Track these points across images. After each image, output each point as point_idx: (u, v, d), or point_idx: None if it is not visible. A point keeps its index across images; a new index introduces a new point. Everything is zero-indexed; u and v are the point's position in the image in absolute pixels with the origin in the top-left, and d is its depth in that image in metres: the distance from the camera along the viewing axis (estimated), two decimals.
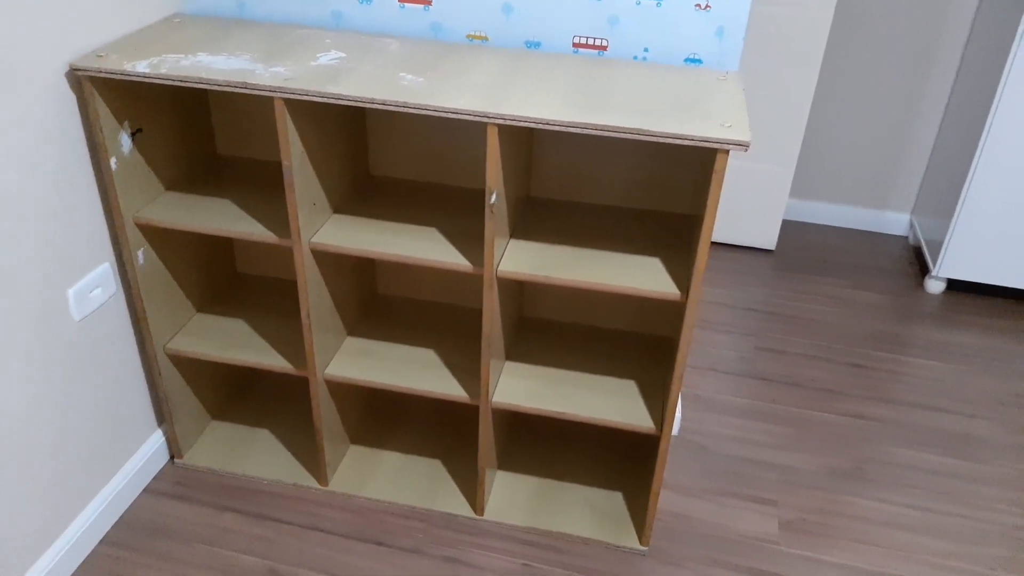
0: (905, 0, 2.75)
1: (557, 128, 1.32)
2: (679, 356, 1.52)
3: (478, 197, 1.79)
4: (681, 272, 1.53)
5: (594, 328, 1.93)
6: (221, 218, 1.66)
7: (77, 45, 1.52)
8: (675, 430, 2.13)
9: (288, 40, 1.64)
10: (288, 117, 1.44)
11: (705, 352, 2.47)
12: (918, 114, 2.93)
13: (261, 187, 1.79)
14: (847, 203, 3.16)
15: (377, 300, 2.01)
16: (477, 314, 1.96)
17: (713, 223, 1.34)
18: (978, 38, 2.66)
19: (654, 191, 1.75)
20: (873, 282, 2.87)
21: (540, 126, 1.32)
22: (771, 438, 2.15)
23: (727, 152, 1.28)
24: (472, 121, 1.61)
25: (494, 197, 1.42)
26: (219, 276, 2.01)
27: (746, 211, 2.95)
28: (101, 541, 1.78)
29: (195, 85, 1.43)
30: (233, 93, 1.85)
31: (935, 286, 2.78)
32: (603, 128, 1.30)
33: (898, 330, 2.61)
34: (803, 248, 3.06)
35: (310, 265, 1.62)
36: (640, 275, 1.51)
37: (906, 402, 2.31)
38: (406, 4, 1.70)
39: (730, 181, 2.91)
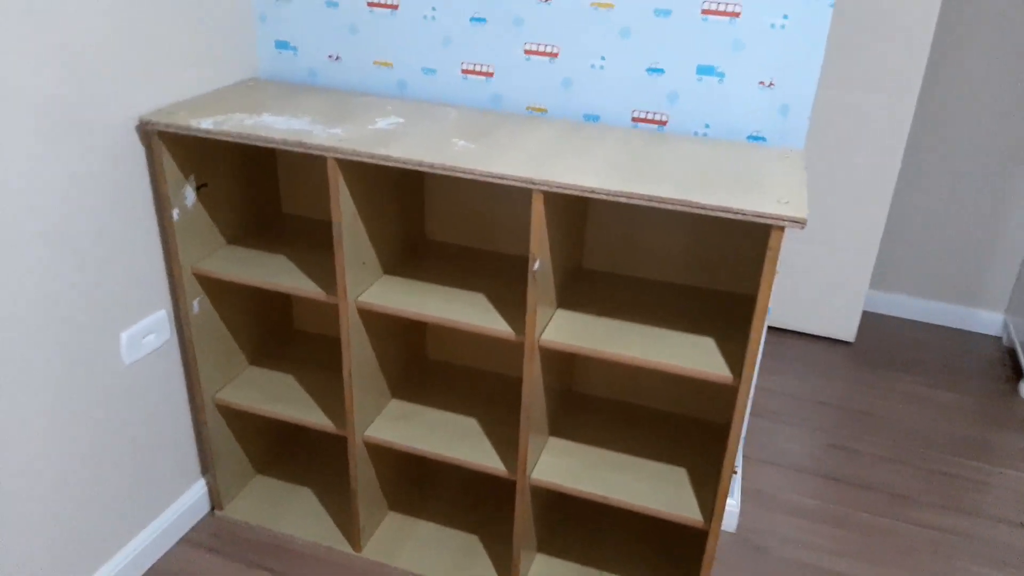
0: (995, 83, 2.64)
1: (603, 197, 1.29)
2: (730, 443, 1.42)
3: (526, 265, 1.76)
4: (735, 354, 1.45)
5: (647, 408, 1.84)
6: (273, 273, 1.68)
7: (152, 101, 1.60)
8: (731, 526, 1.99)
9: (351, 106, 1.68)
10: (340, 176, 1.46)
11: (771, 445, 2.33)
12: (1013, 205, 2.76)
13: (319, 246, 1.81)
14: (934, 298, 2.98)
15: (426, 364, 1.98)
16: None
17: (767, 303, 1.26)
18: None
19: (713, 268, 1.68)
20: (960, 383, 2.67)
21: (585, 194, 1.29)
22: (836, 544, 1.98)
23: (782, 229, 1.21)
24: (518, 188, 1.60)
25: (537, 264, 1.39)
26: (275, 331, 2.04)
27: (823, 299, 2.82)
28: None
29: (254, 143, 1.47)
30: (299, 154, 1.91)
31: None
32: (651, 199, 1.26)
33: (986, 436, 2.40)
34: (884, 342, 2.89)
35: (355, 323, 1.61)
36: (690, 354, 1.44)
37: (990, 516, 2.10)
38: (468, 76, 1.73)
39: (807, 267, 2.79)
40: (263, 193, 1.91)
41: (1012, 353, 2.84)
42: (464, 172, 1.35)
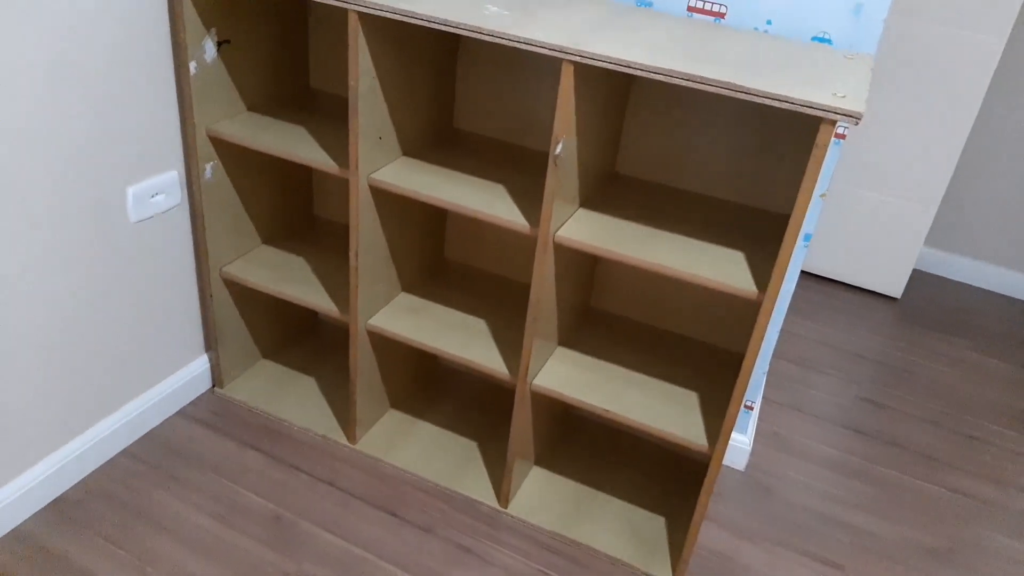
0: None
1: (638, 72, 1.16)
2: (745, 364, 1.31)
3: None
4: (764, 270, 1.33)
5: (668, 332, 1.74)
6: (288, 142, 1.59)
7: None
8: (740, 464, 1.90)
9: None
10: (360, 33, 1.35)
11: (797, 391, 2.21)
12: None
13: (343, 124, 1.72)
14: (989, 261, 2.79)
15: (443, 263, 1.90)
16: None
17: (804, 212, 1.14)
18: None
19: (757, 184, 1.54)
20: (1006, 351, 2.50)
21: (619, 68, 1.17)
22: (852, 496, 1.87)
23: (833, 124, 1.08)
24: (550, 59, 1.47)
25: (560, 147, 1.27)
26: (293, 213, 1.96)
27: (874, 251, 2.65)
28: (122, 451, 1.75)
29: None
30: (330, 22, 1.80)
31: None
32: (690, 78, 1.13)
33: None
34: (932, 302, 2.72)
35: (365, 201, 1.52)
36: (715, 266, 1.32)
37: (1019, 486, 1.97)
38: None
39: (861, 215, 2.62)
40: (291, 62, 1.81)
41: None
42: (489, 35, 1.23)
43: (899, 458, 2.01)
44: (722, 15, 1.47)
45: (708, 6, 1.48)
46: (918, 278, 2.86)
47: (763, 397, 2.16)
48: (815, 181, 1.12)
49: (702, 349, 1.69)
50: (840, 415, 2.14)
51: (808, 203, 1.13)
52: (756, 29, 1.46)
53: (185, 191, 1.71)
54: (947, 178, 2.46)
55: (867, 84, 1.18)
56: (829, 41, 1.42)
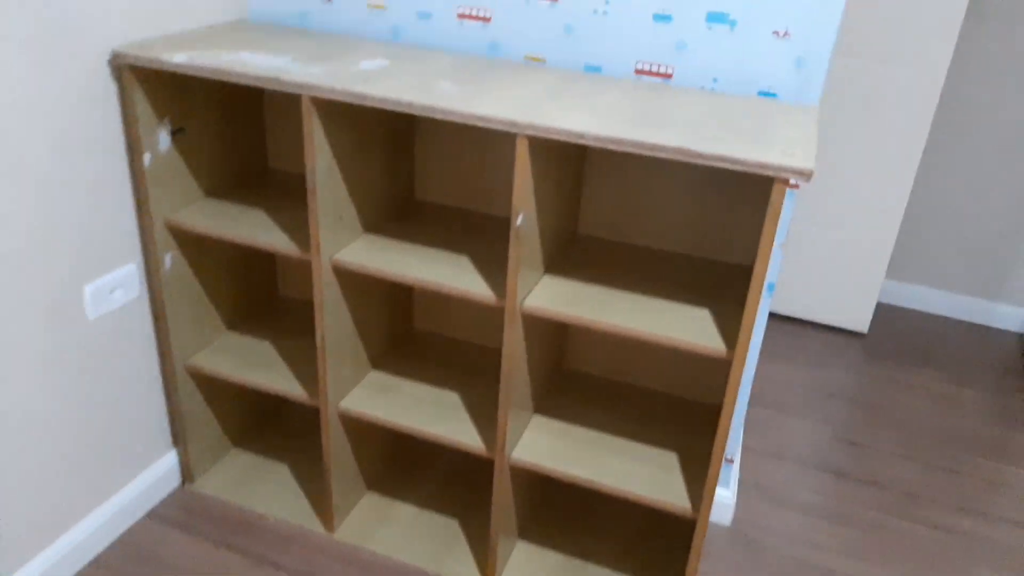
0: None
1: (592, 143, 1.17)
2: (721, 423, 1.31)
3: None
4: (732, 327, 1.33)
5: (642, 389, 1.73)
6: (248, 227, 1.58)
7: (129, 36, 1.50)
8: (726, 519, 1.87)
9: (338, 48, 1.58)
10: (315, 117, 1.35)
11: (774, 437, 2.20)
12: None
13: (303, 203, 1.71)
14: (952, 290, 2.84)
15: (412, 334, 1.88)
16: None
17: (766, 267, 1.15)
18: None
19: (715, 238, 1.56)
20: (977, 379, 2.53)
21: (572, 140, 1.18)
22: (838, 543, 1.86)
23: (786, 182, 1.09)
24: (505, 134, 1.49)
25: (520, 219, 1.28)
26: (257, 295, 1.94)
27: (837, 288, 2.69)
28: (91, 562, 1.67)
29: (226, 78, 1.37)
30: (285, 103, 1.80)
31: None
32: (643, 146, 1.14)
33: (1001, 435, 2.27)
34: (899, 334, 2.76)
35: (329, 283, 1.51)
36: (682, 325, 1.32)
37: (1002, 518, 1.97)
38: (465, 20, 1.61)
39: (821, 254, 2.66)
40: (248, 144, 1.80)
41: None
42: (442, 113, 1.24)
43: (881, 498, 2.00)
44: (669, 75, 1.51)
45: (655, 68, 1.51)
46: (883, 311, 2.90)
47: (742, 446, 2.15)
48: (773, 238, 1.13)
49: (679, 404, 1.68)
50: (819, 458, 2.13)
51: (768, 260, 1.14)
52: (703, 88, 1.49)
53: (144, 284, 1.68)
54: (901, 211, 2.52)
55: (815, 138, 1.21)
56: (775, 95, 1.45)
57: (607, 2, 1.49)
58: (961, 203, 2.72)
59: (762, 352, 2.61)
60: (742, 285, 1.49)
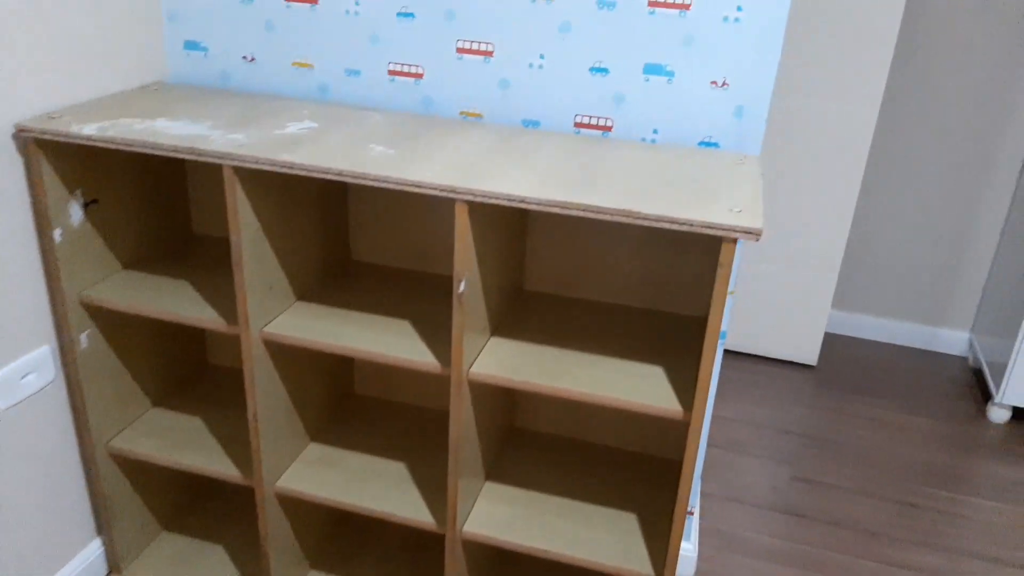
0: (959, 96, 2.55)
1: (534, 207, 1.12)
2: (681, 488, 1.25)
3: None
4: (687, 385, 1.28)
5: (596, 446, 1.67)
6: (170, 300, 1.48)
7: (37, 106, 1.40)
8: (690, 573, 1.81)
9: (262, 110, 1.50)
10: (239, 186, 1.27)
11: (731, 480, 2.17)
12: (976, 220, 2.67)
13: (230, 270, 1.62)
14: (897, 317, 2.88)
15: (352, 401, 1.79)
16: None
17: (719, 326, 1.10)
18: None
19: (664, 289, 1.52)
20: (927, 407, 2.54)
21: (514, 204, 1.12)
22: None
23: (734, 242, 1.06)
24: (440, 198, 1.44)
25: (463, 285, 1.21)
26: (184, 367, 1.82)
27: (784, 321, 2.69)
28: None
29: (140, 150, 1.28)
30: (210, 166, 1.71)
31: (999, 415, 2.44)
32: (587, 208, 1.10)
33: (956, 464, 2.28)
34: (848, 364, 2.77)
35: (260, 357, 1.42)
36: (637, 386, 1.27)
37: (966, 552, 1.96)
38: (396, 77, 1.56)
39: (766, 288, 2.66)
40: (169, 210, 1.70)
41: (978, 373, 2.74)
42: (375, 180, 1.17)
43: (842, 538, 1.97)
44: (609, 128, 1.47)
45: (594, 121, 1.47)
46: (831, 341, 2.91)
47: (700, 492, 2.10)
48: (724, 297, 1.09)
49: (634, 458, 1.63)
50: (778, 499, 2.10)
51: (720, 319, 1.10)
52: (644, 140, 1.46)
53: (59, 365, 1.56)
54: (843, 242, 2.54)
55: (760, 192, 1.18)
56: (716, 144, 1.43)
57: (542, 56, 1.45)
58: (898, 232, 2.76)
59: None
60: (693, 336, 1.45)
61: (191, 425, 1.69)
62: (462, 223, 1.17)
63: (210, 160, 1.25)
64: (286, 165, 1.21)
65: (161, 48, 1.69)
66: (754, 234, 1.03)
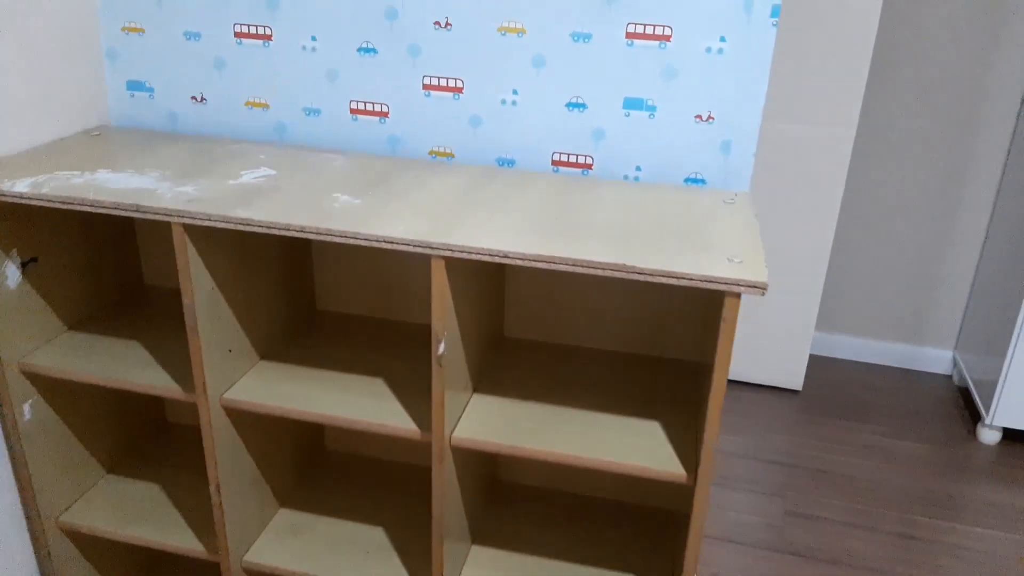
0: (935, 113, 2.52)
1: (518, 263, 1.03)
2: (688, 556, 1.16)
3: None
4: (686, 441, 1.20)
5: (587, 499, 1.57)
6: (116, 366, 1.35)
7: None
8: None
9: (214, 156, 1.39)
10: (190, 245, 1.16)
11: (724, 518, 2.08)
12: (955, 238, 2.64)
13: (185, 327, 1.50)
14: (880, 338, 2.83)
15: (324, 458, 1.67)
16: None
17: (724, 384, 1.02)
18: (1021, 152, 2.40)
19: (651, 332, 1.43)
20: (916, 430, 2.49)
21: (496, 259, 1.03)
22: None
23: (738, 297, 0.97)
24: (414, 254, 1.33)
25: (442, 347, 1.11)
26: (142, 428, 1.69)
27: (767, 346, 2.62)
28: None
29: (78, 207, 1.16)
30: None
31: (990, 436, 2.40)
32: (577, 263, 1.00)
33: (951, 490, 2.22)
34: (833, 388, 2.71)
35: (222, 426, 1.30)
36: (634, 447, 1.18)
37: None
38: (359, 116, 1.46)
39: (748, 312, 2.60)
40: (118, 263, 1.58)
41: (963, 392, 2.70)
42: (342, 236, 1.07)
43: None
44: (589, 166, 1.39)
45: (573, 158, 1.39)
46: (814, 364, 2.85)
47: None
48: (729, 353, 1.00)
49: (627, 511, 1.53)
50: (774, 538, 2.02)
51: (725, 379, 1.01)
52: (626, 178, 1.38)
53: (1, 438, 1.43)
54: (825, 266, 2.48)
55: (758, 237, 1.10)
56: (703, 181, 1.35)
57: (515, 92, 1.37)
58: (878, 254, 2.72)
59: None
60: (687, 384, 1.36)
61: (149, 493, 1.56)
62: (439, 281, 1.07)
63: (157, 218, 1.13)
64: (242, 222, 1.10)
65: (103, 90, 1.57)
66: (759, 288, 0.95)
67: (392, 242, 1.06)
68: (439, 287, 1.08)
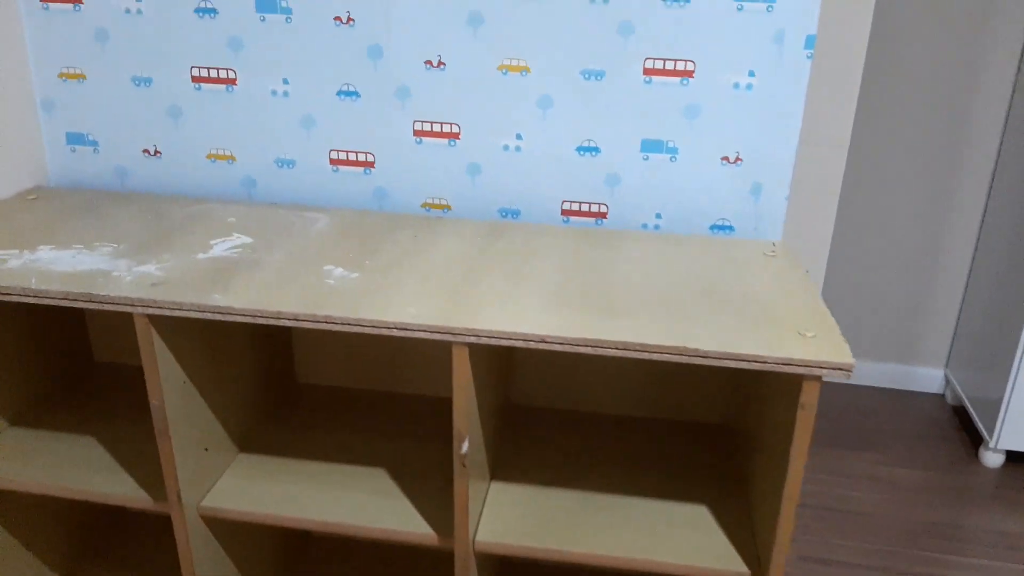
0: (923, 129, 2.47)
1: (558, 347, 0.88)
2: None
3: (440, 411, 1.32)
4: (741, 528, 1.06)
5: (612, 572, 1.42)
6: (70, 471, 1.16)
7: None
8: None
9: (175, 220, 1.21)
10: (156, 338, 0.98)
11: None
12: (943, 255, 2.59)
13: (146, 410, 1.30)
14: (871, 358, 2.76)
15: (312, 545, 1.49)
16: (451, 560, 1.45)
17: (799, 483, 0.88)
18: (1012, 160, 2.36)
19: (671, 394, 1.30)
20: (915, 455, 2.41)
21: (532, 345, 0.88)
22: None
23: (819, 380, 0.84)
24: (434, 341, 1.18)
25: (466, 446, 0.95)
26: (99, 524, 1.49)
27: None
28: None
29: (19, 299, 0.97)
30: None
31: (993, 459, 2.33)
32: (627, 347, 0.86)
33: (959, 520, 2.14)
34: (828, 414, 2.62)
35: (200, 538, 1.11)
36: (685, 540, 1.04)
37: None
38: (341, 167, 1.29)
39: None
40: (64, 343, 1.38)
41: (958, 411, 2.64)
42: (343, 324, 0.91)
43: None
44: (603, 215, 1.25)
45: (586, 207, 1.25)
46: None
47: None
48: (806, 446, 0.87)
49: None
50: None
51: (800, 476, 0.88)
52: (645, 227, 1.24)
53: None
54: (820, 285, 2.39)
55: (821, 302, 0.97)
56: (731, 229, 1.22)
57: (519, 136, 1.22)
58: (871, 269, 2.65)
59: None
60: (720, 452, 1.23)
61: None
62: (462, 371, 0.91)
63: (116, 308, 0.95)
64: (220, 311, 0.93)
65: (39, 144, 1.37)
66: (846, 370, 0.82)
67: (407, 328, 0.90)
68: (462, 377, 0.92)
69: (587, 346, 0.87)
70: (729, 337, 0.87)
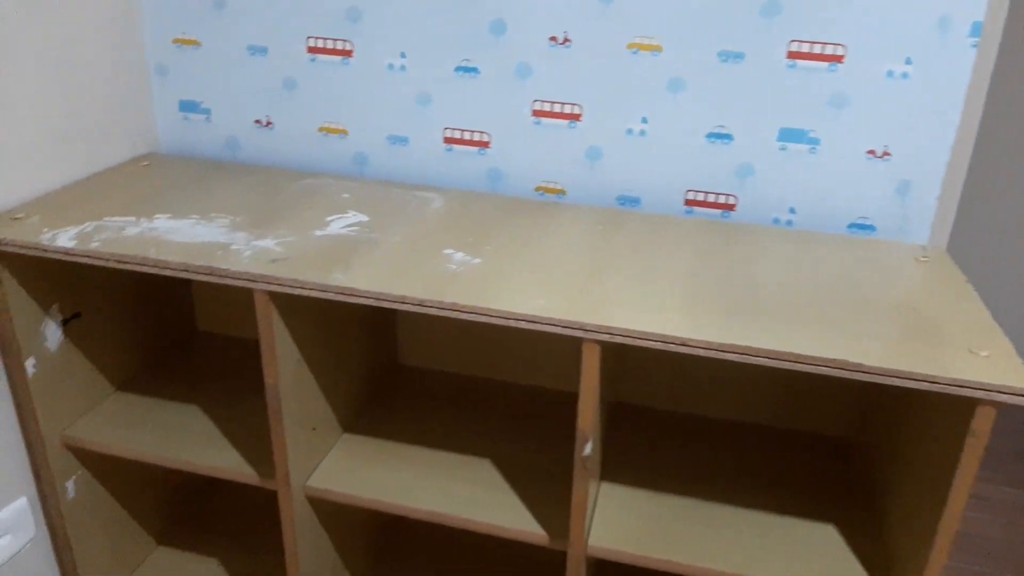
0: None
1: (702, 352, 0.82)
2: None
3: (549, 402, 1.27)
4: (873, 554, 0.99)
5: None
6: (174, 440, 1.15)
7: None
8: None
9: (289, 194, 1.18)
10: (275, 316, 0.95)
11: None
12: None
13: (250, 387, 1.29)
14: None
15: (403, 530, 1.47)
16: (555, 558, 1.41)
17: (958, 518, 0.80)
18: None
19: (786, 401, 1.22)
20: (1015, 470, 2.27)
21: (672, 348, 0.82)
22: None
23: (995, 406, 0.76)
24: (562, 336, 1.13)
25: (588, 448, 0.91)
26: (194, 500, 1.50)
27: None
28: None
29: (137, 268, 0.96)
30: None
31: None
32: (780, 356, 0.79)
33: None
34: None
35: (305, 520, 1.10)
36: (813, 563, 0.97)
37: None
38: (455, 146, 1.25)
39: None
40: (169, 310, 1.38)
41: None
42: (471, 312, 0.87)
43: None
44: (731, 207, 1.17)
45: (712, 198, 1.17)
46: None
47: None
48: (972, 477, 0.79)
49: None
50: None
51: (961, 510, 0.80)
52: (776, 222, 1.16)
53: (42, 519, 1.23)
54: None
55: (989, 316, 0.88)
56: (872, 228, 1.14)
57: (644, 120, 1.15)
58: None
59: None
60: (842, 467, 1.15)
61: (204, 569, 1.37)
62: (590, 368, 0.86)
63: (237, 283, 0.93)
64: (343, 291, 0.90)
65: (150, 111, 1.36)
66: (1023, 395, 0.74)
67: (536, 321, 0.85)
68: (590, 376, 0.87)
69: (733, 353, 0.80)
70: (891, 352, 0.79)
